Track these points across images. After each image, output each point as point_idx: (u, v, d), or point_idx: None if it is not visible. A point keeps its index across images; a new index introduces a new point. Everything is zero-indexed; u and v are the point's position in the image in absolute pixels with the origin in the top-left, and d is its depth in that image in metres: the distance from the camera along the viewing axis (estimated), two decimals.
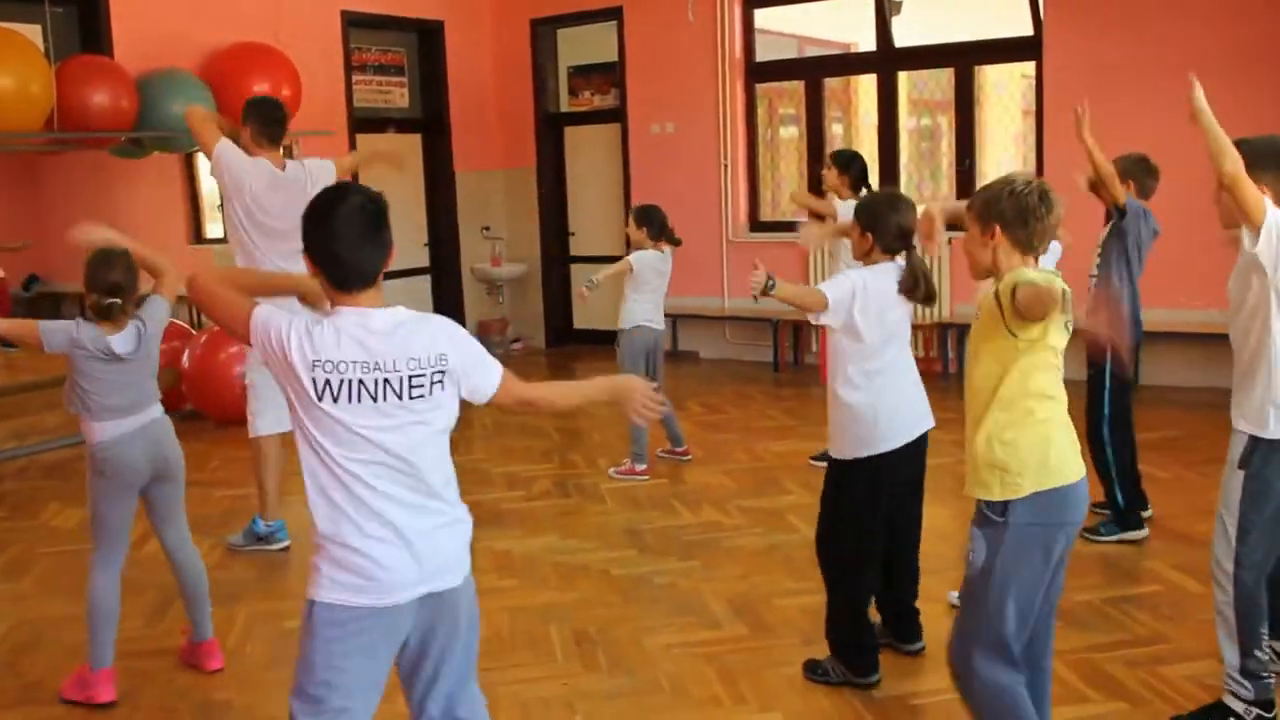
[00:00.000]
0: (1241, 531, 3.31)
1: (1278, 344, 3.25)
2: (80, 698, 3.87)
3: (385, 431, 2.48)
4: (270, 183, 5.27)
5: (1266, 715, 3.33)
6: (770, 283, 3.68)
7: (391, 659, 2.59)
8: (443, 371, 2.53)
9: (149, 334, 3.85)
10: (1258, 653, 3.32)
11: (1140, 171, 4.99)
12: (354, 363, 2.45)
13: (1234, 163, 3.12)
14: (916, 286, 3.66)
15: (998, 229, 2.83)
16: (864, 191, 6.49)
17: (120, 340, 3.77)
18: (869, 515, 3.79)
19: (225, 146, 5.29)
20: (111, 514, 3.87)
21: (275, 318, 2.51)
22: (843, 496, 3.81)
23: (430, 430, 2.55)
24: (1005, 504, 2.83)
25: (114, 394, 3.80)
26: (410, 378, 2.49)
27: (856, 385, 3.73)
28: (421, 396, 2.51)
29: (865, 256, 3.79)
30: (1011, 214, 2.82)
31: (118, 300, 3.77)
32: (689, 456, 6.73)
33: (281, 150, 5.51)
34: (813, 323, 3.80)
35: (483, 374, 2.62)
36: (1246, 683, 3.33)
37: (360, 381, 2.45)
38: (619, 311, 6.56)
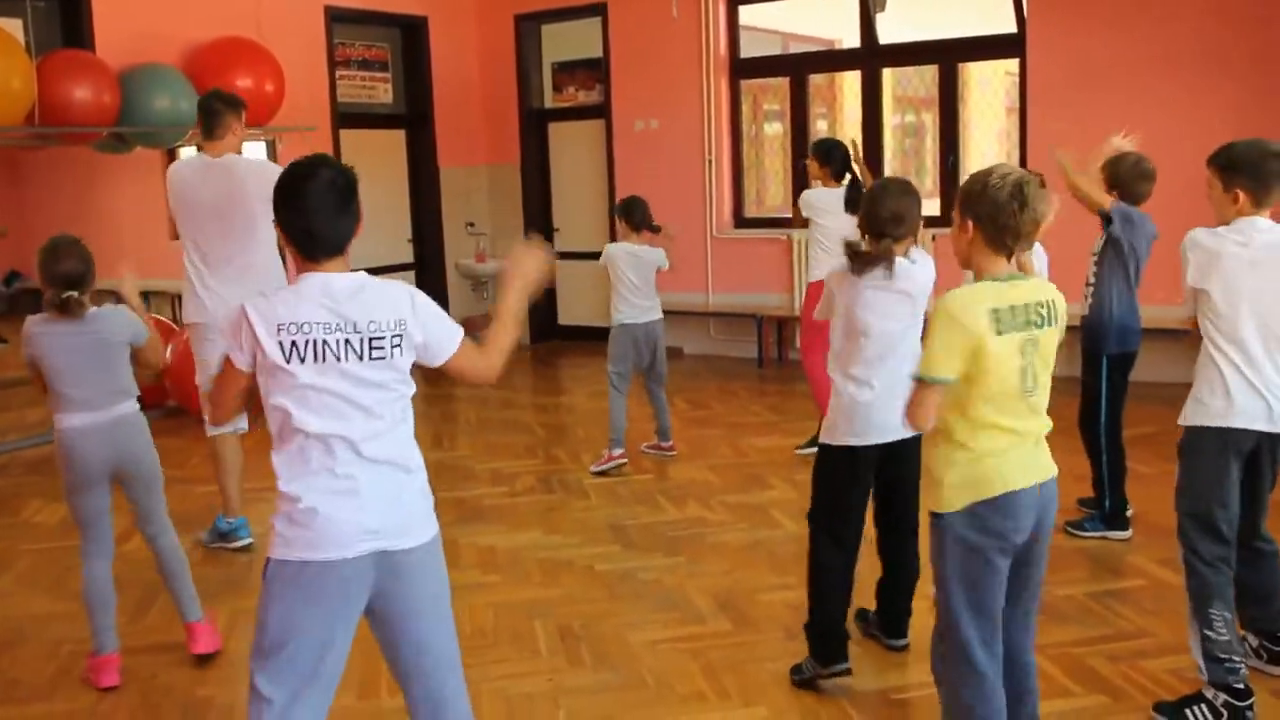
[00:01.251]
0: (1182, 513, 3.51)
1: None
2: (87, 679, 3.95)
3: (347, 392, 2.54)
4: (192, 174, 5.23)
5: (1236, 702, 3.34)
6: None
7: (350, 619, 2.60)
8: (401, 335, 2.59)
9: (108, 332, 3.81)
10: (1208, 632, 3.37)
11: (1131, 177, 4.84)
12: (317, 323, 2.51)
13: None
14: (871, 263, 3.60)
15: (971, 224, 2.77)
16: (849, 181, 6.51)
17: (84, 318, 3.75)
18: (845, 502, 3.78)
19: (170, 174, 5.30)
20: (79, 504, 3.90)
21: (231, 326, 2.57)
22: (823, 478, 3.82)
23: (389, 394, 2.60)
24: (941, 513, 2.84)
25: (71, 384, 3.78)
26: (371, 339, 2.55)
27: (852, 375, 3.68)
28: (382, 359, 2.56)
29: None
30: (984, 210, 2.73)
31: (74, 293, 3.71)
32: (674, 452, 6.73)
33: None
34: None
35: (443, 336, 2.69)
36: (1202, 663, 3.39)
37: (324, 342, 2.51)
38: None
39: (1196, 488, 3.48)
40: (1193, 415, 3.48)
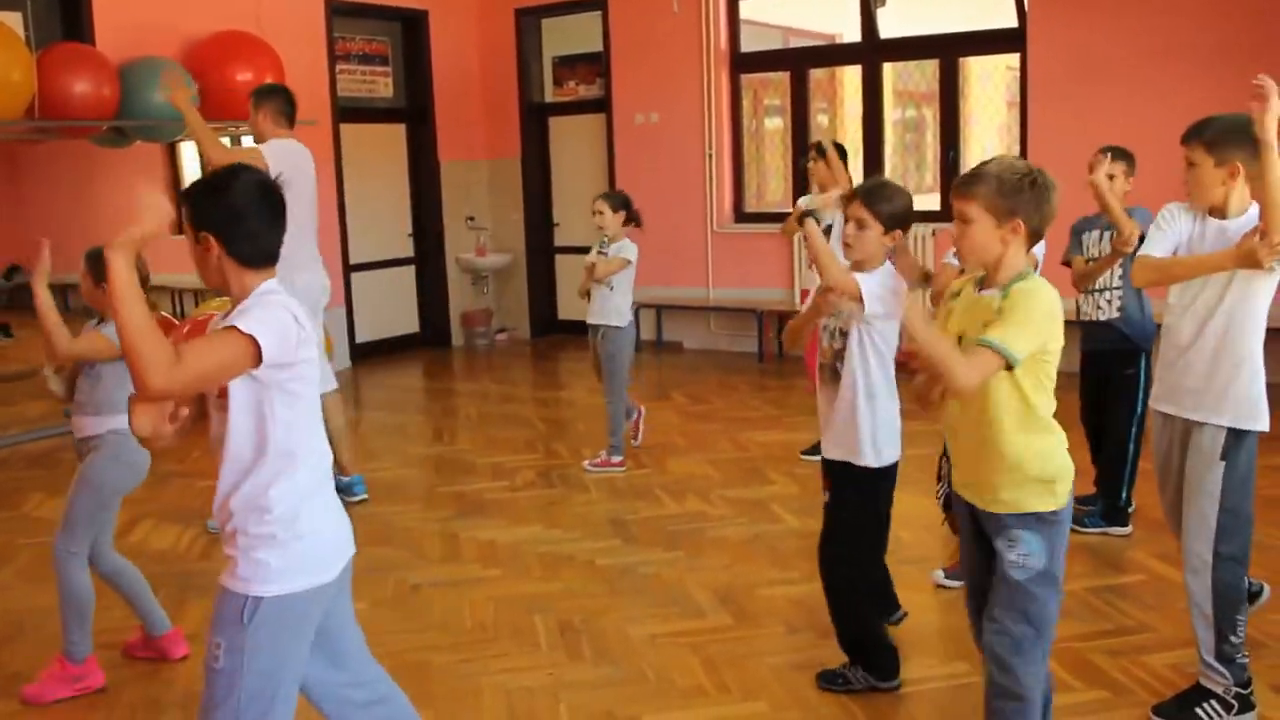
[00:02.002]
0: (1221, 522, 3.32)
1: (1252, 337, 3.29)
2: (73, 691, 3.84)
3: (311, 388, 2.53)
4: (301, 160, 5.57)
5: (1244, 691, 3.36)
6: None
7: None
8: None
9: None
10: (1233, 638, 3.34)
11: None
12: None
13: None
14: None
15: (1020, 224, 2.71)
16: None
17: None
18: (888, 515, 3.75)
19: (268, 149, 5.44)
20: (113, 505, 3.88)
21: (267, 320, 2.37)
22: (880, 501, 3.68)
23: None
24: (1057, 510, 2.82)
25: (117, 386, 3.79)
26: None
27: (888, 390, 3.59)
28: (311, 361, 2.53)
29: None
30: (1032, 204, 2.70)
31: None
32: (642, 411, 6.80)
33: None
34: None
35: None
36: (1222, 668, 3.35)
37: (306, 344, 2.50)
38: (607, 308, 6.37)
39: (1245, 490, 3.37)
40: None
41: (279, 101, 5.65)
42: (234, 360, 2.33)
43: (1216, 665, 3.35)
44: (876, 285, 3.44)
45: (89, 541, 3.87)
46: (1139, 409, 4.96)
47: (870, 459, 3.55)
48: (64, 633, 3.85)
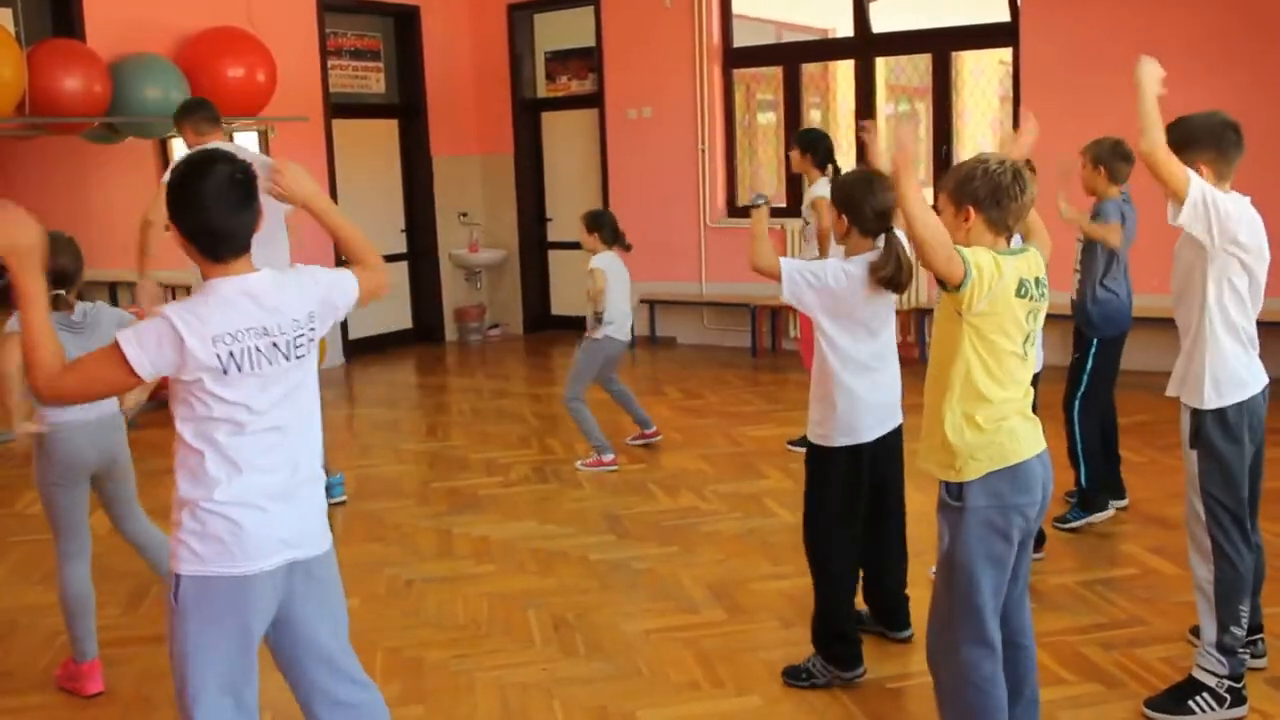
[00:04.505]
0: (1209, 508, 3.35)
1: (1213, 314, 3.29)
2: (71, 689, 3.87)
3: (267, 400, 2.49)
4: None
5: (1237, 686, 3.37)
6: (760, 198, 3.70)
7: (261, 632, 2.56)
8: (314, 327, 2.57)
9: (104, 329, 3.77)
10: (1234, 629, 3.35)
11: (1111, 157, 4.95)
12: (247, 330, 2.45)
13: (1150, 141, 3.14)
14: (898, 272, 3.49)
15: (972, 210, 2.84)
16: (830, 171, 6.50)
17: (75, 314, 3.71)
18: (850, 502, 3.74)
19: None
20: (62, 502, 3.82)
21: (145, 331, 2.40)
22: (827, 483, 3.75)
23: (308, 393, 2.58)
24: (960, 487, 2.86)
25: None
26: (294, 338, 2.52)
27: (842, 373, 3.62)
28: (303, 356, 2.54)
29: (843, 239, 3.69)
30: (985, 193, 2.81)
31: (61, 291, 3.64)
32: (659, 436, 6.73)
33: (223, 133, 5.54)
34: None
35: (341, 295, 2.67)
36: (1222, 658, 3.36)
37: (256, 348, 2.46)
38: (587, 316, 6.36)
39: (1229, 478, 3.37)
40: None
41: (188, 116, 5.51)
42: (113, 377, 2.41)
43: (1216, 655, 3.37)
44: (797, 267, 3.55)
45: (74, 541, 3.84)
46: (1080, 390, 4.97)
47: (814, 436, 3.73)
48: (67, 631, 3.89)
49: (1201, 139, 3.31)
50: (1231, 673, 3.36)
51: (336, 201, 9.55)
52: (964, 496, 2.86)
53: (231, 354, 2.42)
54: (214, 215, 2.44)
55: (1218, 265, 3.27)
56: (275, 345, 2.48)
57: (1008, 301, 2.78)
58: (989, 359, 2.81)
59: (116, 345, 2.38)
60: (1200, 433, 3.34)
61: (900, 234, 3.53)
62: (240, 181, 2.48)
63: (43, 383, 2.37)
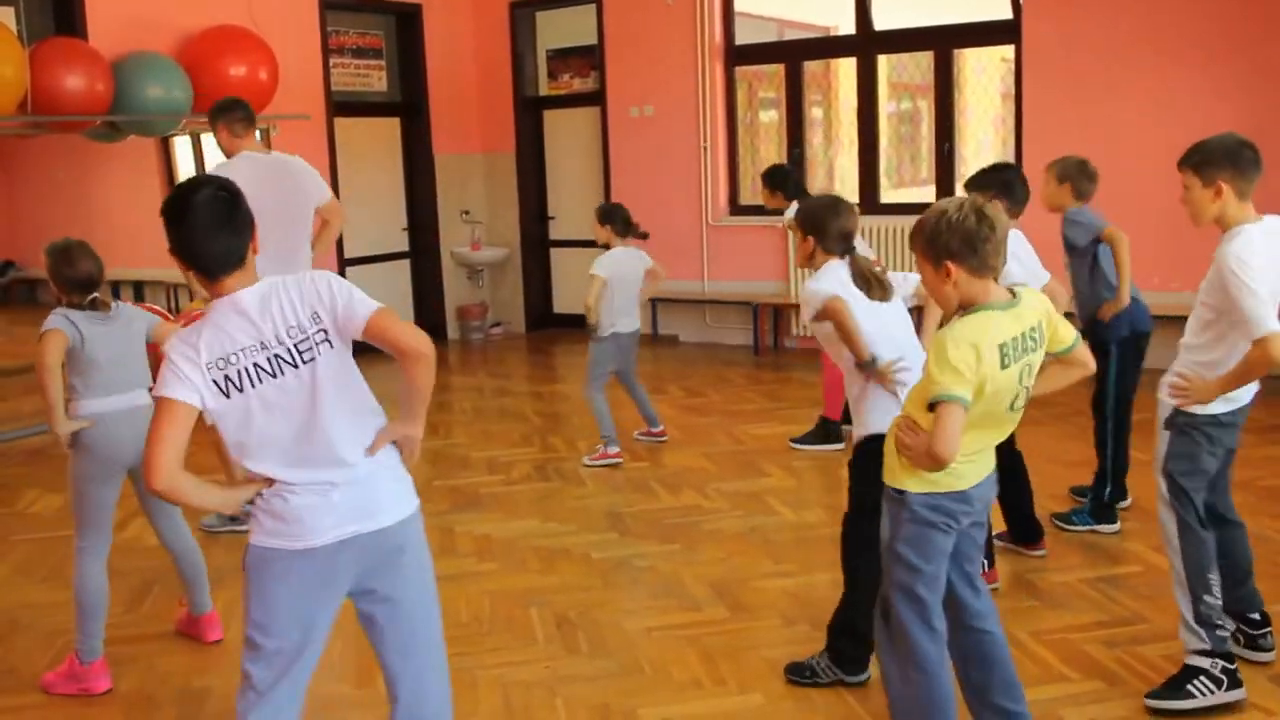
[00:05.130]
0: (1170, 484, 3.47)
1: (1241, 349, 3.33)
2: (73, 690, 3.85)
3: (290, 405, 2.52)
4: (255, 172, 5.19)
5: (1230, 666, 3.40)
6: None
7: (329, 604, 2.62)
8: (324, 330, 2.55)
9: (137, 324, 3.89)
10: (1207, 597, 3.40)
11: (1077, 174, 4.92)
12: (242, 350, 2.49)
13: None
14: (869, 286, 3.58)
15: (950, 265, 2.75)
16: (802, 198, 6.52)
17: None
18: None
19: (229, 167, 5.29)
20: (94, 495, 3.84)
21: (165, 375, 2.49)
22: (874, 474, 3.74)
23: (330, 394, 2.56)
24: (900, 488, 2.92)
25: (109, 372, 3.80)
26: (297, 344, 2.52)
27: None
28: (313, 359, 2.53)
29: (809, 261, 3.74)
30: (958, 245, 2.72)
31: (96, 294, 3.81)
32: (665, 437, 6.73)
33: (258, 137, 5.50)
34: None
35: (354, 310, 2.60)
36: (1201, 630, 3.40)
37: (255, 365, 2.49)
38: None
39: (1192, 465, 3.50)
40: None
41: (224, 116, 5.47)
42: (173, 421, 2.48)
43: (1197, 629, 3.42)
44: (806, 289, 3.61)
45: (97, 536, 3.87)
46: (1107, 399, 4.96)
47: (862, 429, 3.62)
48: (76, 629, 3.88)
49: (1218, 159, 3.34)
50: (1216, 649, 3.39)
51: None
52: (904, 493, 2.91)
53: (228, 377, 2.48)
54: (201, 236, 2.51)
55: None
56: (278, 357, 2.51)
57: (994, 380, 2.71)
58: (967, 427, 2.75)
59: (161, 400, 2.48)
60: (1175, 422, 3.46)
61: (861, 247, 3.66)
62: (223, 200, 2.54)
63: (162, 487, 2.50)
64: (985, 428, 2.85)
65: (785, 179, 6.74)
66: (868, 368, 3.48)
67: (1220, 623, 3.42)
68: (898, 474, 2.92)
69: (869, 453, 3.38)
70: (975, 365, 2.66)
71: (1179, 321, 3.65)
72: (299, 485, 2.55)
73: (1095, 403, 4.99)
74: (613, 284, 6.27)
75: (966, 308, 2.78)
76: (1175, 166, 3.48)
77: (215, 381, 2.47)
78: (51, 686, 3.88)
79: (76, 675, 3.87)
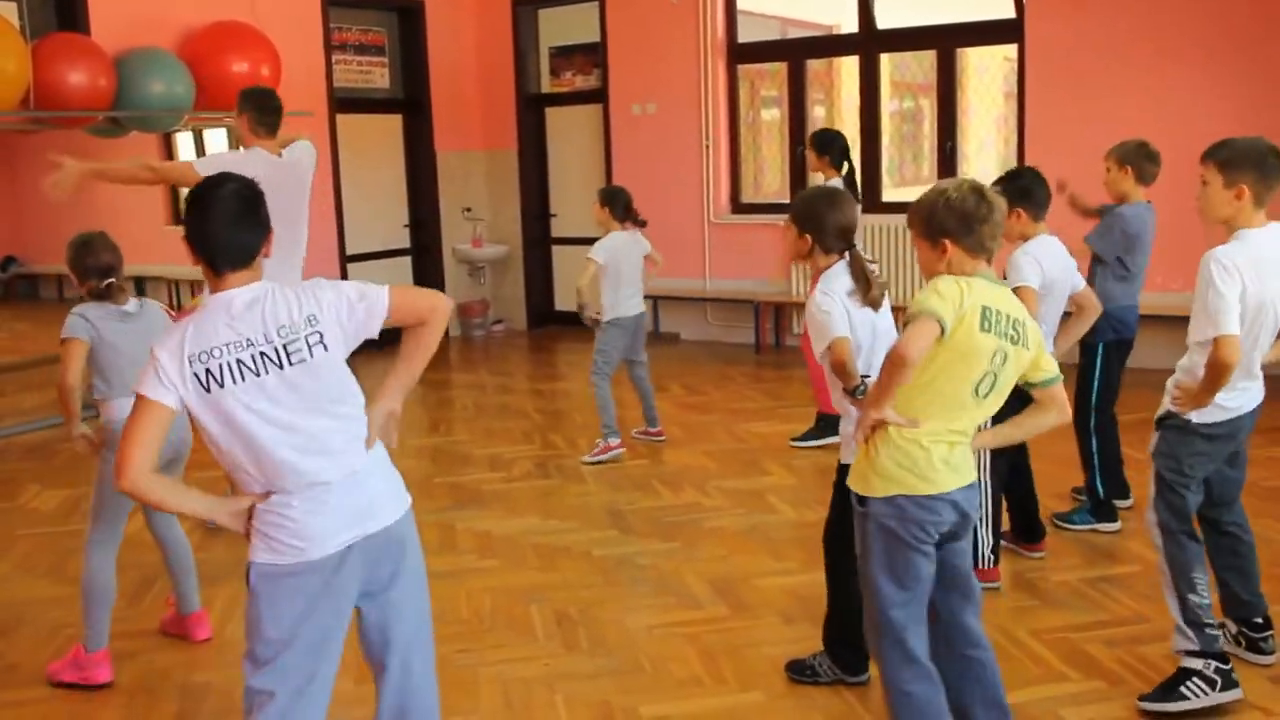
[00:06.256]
0: (1158, 483, 3.50)
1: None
2: (76, 679, 3.86)
3: (275, 406, 2.50)
4: (267, 172, 5.18)
5: (1225, 667, 3.39)
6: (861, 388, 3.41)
7: (340, 614, 2.61)
8: (319, 332, 2.54)
9: (155, 320, 3.91)
10: (1192, 597, 3.41)
11: (1137, 157, 4.82)
12: (226, 345, 2.48)
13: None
14: (867, 287, 3.46)
15: (947, 242, 2.79)
16: (846, 170, 6.49)
17: (128, 305, 3.88)
18: None
19: (203, 162, 5.28)
20: (116, 493, 3.85)
21: (145, 372, 2.48)
22: None
23: (318, 395, 2.55)
24: (864, 496, 2.89)
25: (127, 368, 3.79)
26: (285, 345, 2.51)
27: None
28: (303, 361, 2.52)
29: (805, 258, 3.62)
30: (954, 224, 2.77)
31: (114, 280, 3.85)
32: (663, 438, 6.74)
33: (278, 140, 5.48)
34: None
35: (365, 309, 2.60)
36: (1190, 631, 3.41)
37: (238, 361, 2.48)
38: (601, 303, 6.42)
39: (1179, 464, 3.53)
40: None
41: (253, 111, 5.41)
42: (149, 422, 2.47)
43: (1186, 630, 3.42)
44: (815, 310, 3.49)
45: (110, 531, 3.90)
46: (1091, 399, 4.96)
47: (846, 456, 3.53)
48: (82, 618, 3.89)
49: (1245, 162, 3.33)
50: (1207, 649, 3.39)
51: (339, 197, 9.60)
52: (867, 502, 2.88)
53: (209, 370, 2.46)
54: (216, 227, 2.54)
55: None
56: (264, 355, 2.49)
57: (971, 336, 2.70)
58: (930, 380, 2.75)
59: (139, 398, 2.48)
60: (1166, 422, 3.49)
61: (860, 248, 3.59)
62: (246, 197, 2.58)
63: (128, 486, 2.48)
64: (949, 409, 2.79)
65: (832, 143, 6.51)
66: (855, 394, 3.36)
67: (1209, 622, 3.41)
68: (865, 476, 2.87)
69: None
70: (959, 301, 2.69)
71: (1180, 321, 3.65)
72: (293, 494, 2.53)
73: (1078, 402, 4.99)
74: (612, 269, 6.31)
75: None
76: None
77: (196, 375, 2.45)
78: (55, 674, 3.90)
79: (80, 663, 3.89)
